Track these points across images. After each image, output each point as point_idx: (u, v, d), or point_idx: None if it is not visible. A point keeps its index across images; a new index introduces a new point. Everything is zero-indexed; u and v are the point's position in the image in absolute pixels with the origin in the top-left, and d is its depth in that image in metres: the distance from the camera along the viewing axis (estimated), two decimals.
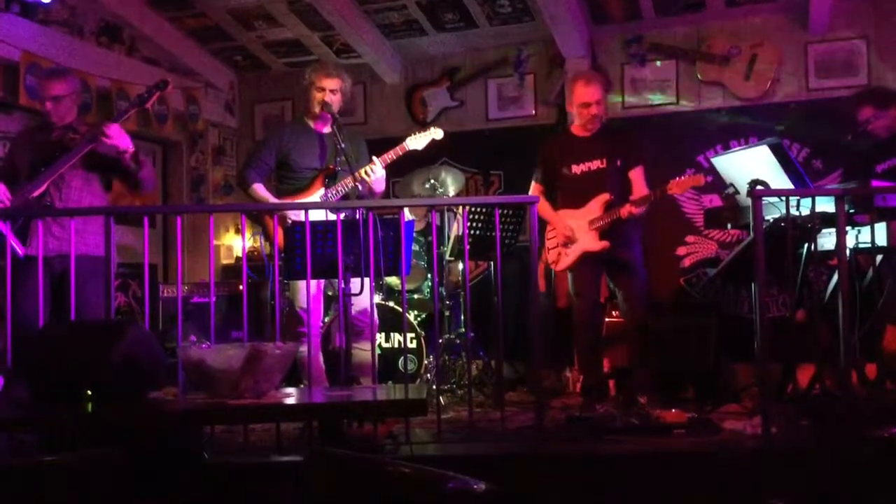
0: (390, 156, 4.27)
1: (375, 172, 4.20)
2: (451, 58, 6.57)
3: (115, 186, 4.30)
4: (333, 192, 4.23)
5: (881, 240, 3.89)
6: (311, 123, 4.40)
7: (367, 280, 3.62)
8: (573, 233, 4.38)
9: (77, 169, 4.01)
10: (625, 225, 4.35)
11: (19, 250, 3.82)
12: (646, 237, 4.59)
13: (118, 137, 3.91)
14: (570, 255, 4.40)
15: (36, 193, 3.89)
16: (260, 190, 4.34)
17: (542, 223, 4.30)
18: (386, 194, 4.69)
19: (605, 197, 4.35)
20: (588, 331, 4.45)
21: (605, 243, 4.32)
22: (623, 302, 4.45)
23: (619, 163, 4.42)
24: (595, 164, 4.42)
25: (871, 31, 5.63)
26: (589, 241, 4.35)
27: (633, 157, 4.48)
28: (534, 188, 4.60)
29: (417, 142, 4.38)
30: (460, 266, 5.21)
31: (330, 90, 4.28)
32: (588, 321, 4.43)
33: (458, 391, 4.93)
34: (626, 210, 4.27)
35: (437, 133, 4.42)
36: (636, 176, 4.45)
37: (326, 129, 4.36)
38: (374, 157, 4.23)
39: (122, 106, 4.34)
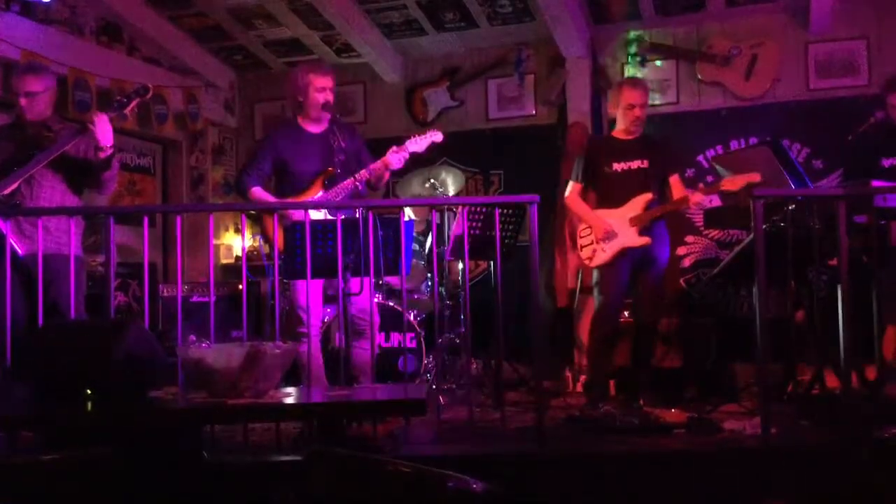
0: (401, 157, 4.25)
1: (393, 164, 4.20)
2: (451, 57, 6.57)
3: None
4: (333, 194, 4.23)
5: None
6: (306, 125, 4.38)
7: (366, 280, 3.61)
8: (612, 229, 4.39)
9: (47, 168, 3.92)
10: (660, 224, 4.41)
11: (19, 249, 3.81)
12: None
13: (103, 129, 3.83)
14: (608, 252, 4.40)
15: (7, 191, 3.80)
16: (259, 193, 4.33)
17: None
18: (386, 194, 4.69)
19: (647, 196, 4.37)
20: (606, 327, 4.44)
21: (646, 239, 4.34)
22: (639, 299, 4.48)
23: (660, 166, 4.46)
24: (636, 164, 4.46)
25: (871, 31, 5.63)
26: (630, 237, 4.35)
27: (673, 162, 4.56)
28: (572, 187, 4.62)
29: (418, 144, 4.38)
30: (460, 266, 5.21)
31: (329, 89, 4.28)
32: (609, 317, 4.44)
33: (457, 391, 4.93)
34: (696, 197, 4.31)
35: (437, 136, 4.42)
36: (675, 181, 4.49)
37: (323, 129, 4.35)
38: (395, 147, 4.21)
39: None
